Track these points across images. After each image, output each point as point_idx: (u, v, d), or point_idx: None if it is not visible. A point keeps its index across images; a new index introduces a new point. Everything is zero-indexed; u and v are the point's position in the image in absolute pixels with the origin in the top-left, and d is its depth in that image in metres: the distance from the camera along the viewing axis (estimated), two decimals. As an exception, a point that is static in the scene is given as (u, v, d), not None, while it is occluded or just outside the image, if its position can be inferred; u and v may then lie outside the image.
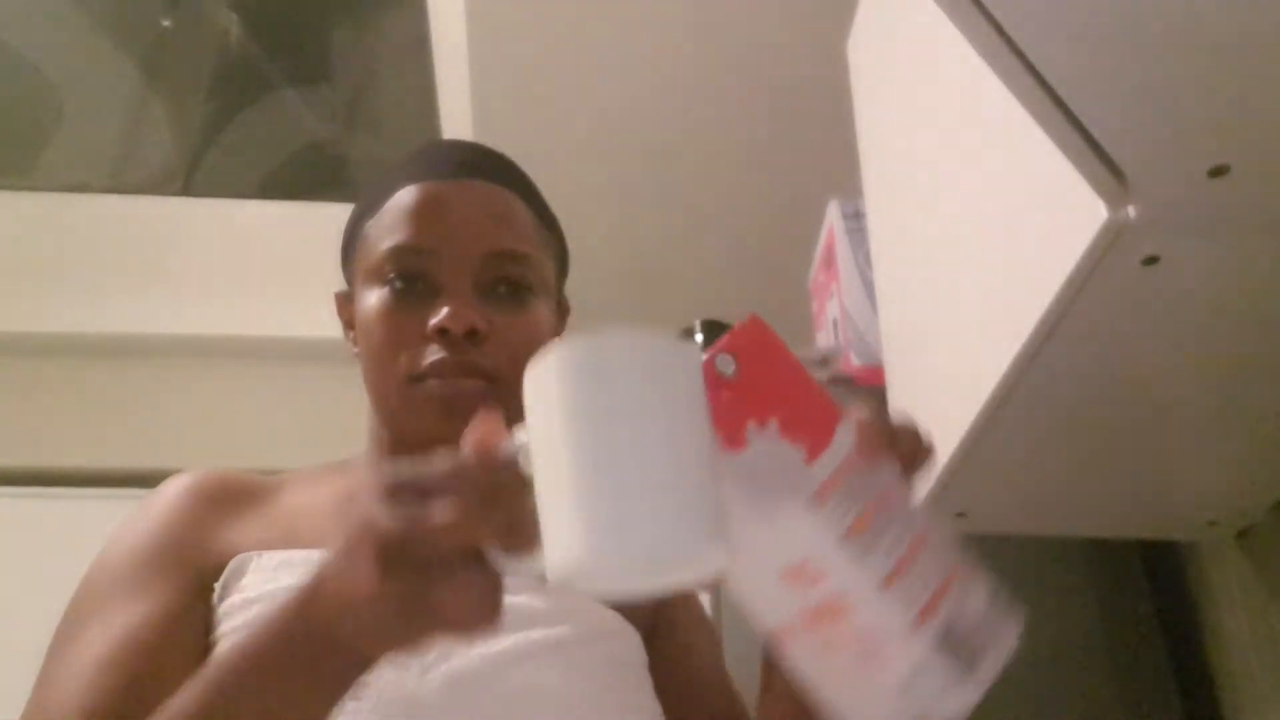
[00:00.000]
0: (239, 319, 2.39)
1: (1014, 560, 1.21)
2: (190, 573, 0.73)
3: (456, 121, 2.04)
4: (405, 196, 0.80)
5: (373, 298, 0.78)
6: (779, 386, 0.51)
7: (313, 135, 2.43)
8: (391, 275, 0.78)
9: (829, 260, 1.48)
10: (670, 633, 0.80)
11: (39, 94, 2.25)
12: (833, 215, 1.47)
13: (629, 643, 0.75)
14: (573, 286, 2.28)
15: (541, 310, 0.85)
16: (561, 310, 0.96)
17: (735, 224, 2.06)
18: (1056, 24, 0.64)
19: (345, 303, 0.87)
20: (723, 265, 2.16)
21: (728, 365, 0.50)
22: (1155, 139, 0.65)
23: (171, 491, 0.80)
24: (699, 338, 1.66)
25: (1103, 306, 0.72)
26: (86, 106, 2.30)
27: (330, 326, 2.44)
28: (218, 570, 0.73)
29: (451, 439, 0.52)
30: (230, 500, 0.79)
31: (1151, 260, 0.69)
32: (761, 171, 1.95)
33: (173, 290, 2.43)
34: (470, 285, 0.77)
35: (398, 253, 0.78)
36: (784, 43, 1.71)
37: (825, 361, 1.33)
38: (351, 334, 0.85)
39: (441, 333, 0.74)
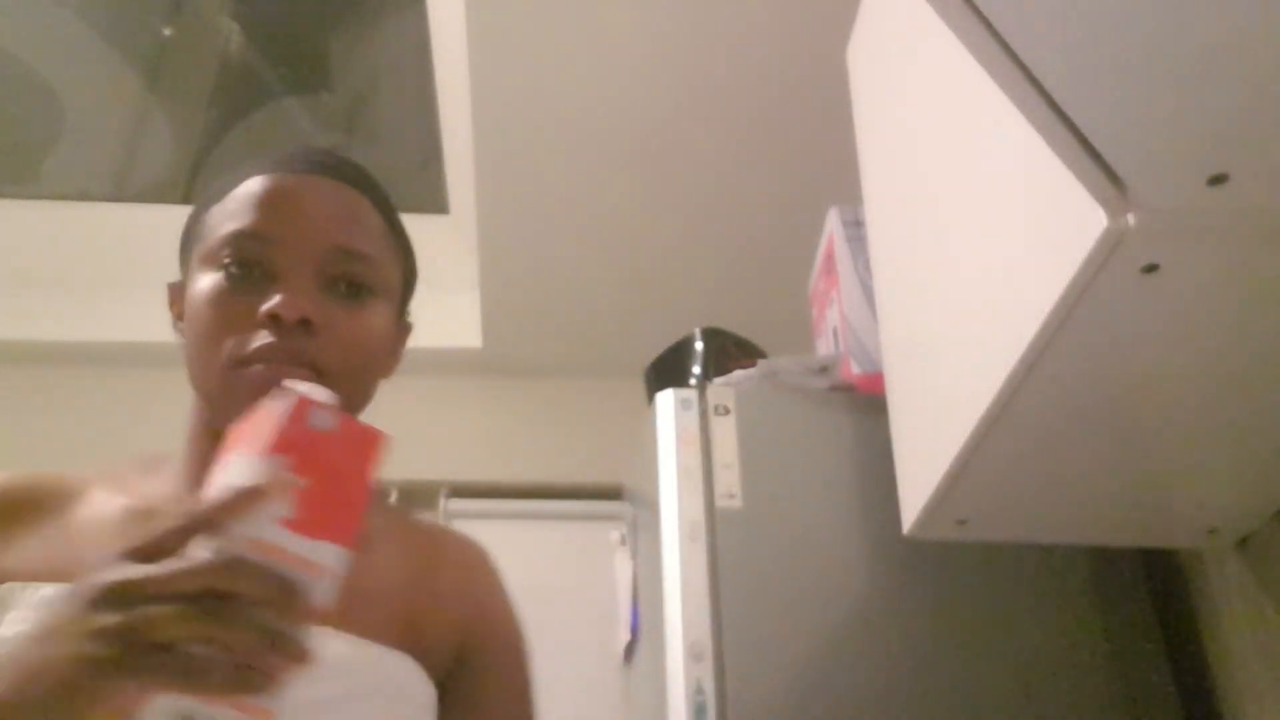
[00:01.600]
0: (239, 327, 2.38)
1: (1015, 568, 1.21)
2: None
3: (456, 128, 2.05)
4: (252, 185, 0.79)
5: (206, 281, 0.76)
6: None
7: (312, 143, 2.43)
8: (228, 260, 0.76)
9: (829, 268, 1.48)
10: (469, 680, 0.79)
11: (41, 102, 2.25)
12: (833, 223, 1.47)
13: (414, 691, 0.74)
14: (576, 294, 2.28)
15: (379, 313, 0.81)
16: (403, 327, 0.91)
17: (735, 231, 2.06)
18: (1055, 32, 0.64)
19: (178, 293, 0.83)
20: (723, 273, 2.16)
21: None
22: (1154, 147, 0.65)
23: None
24: (699, 345, 1.66)
25: (1102, 314, 0.72)
26: (88, 115, 2.30)
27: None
28: None
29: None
30: (26, 511, 0.74)
31: (1151, 268, 0.69)
32: (762, 179, 1.95)
33: (173, 298, 2.43)
34: (310, 277, 0.76)
35: (238, 238, 0.76)
36: (784, 50, 1.72)
37: (825, 369, 1.33)
38: (181, 325, 0.81)
39: (273, 319, 0.73)
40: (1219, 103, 0.62)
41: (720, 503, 1.22)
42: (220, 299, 0.75)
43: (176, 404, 2.53)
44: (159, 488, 0.78)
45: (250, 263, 0.76)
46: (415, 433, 2.41)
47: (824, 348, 1.52)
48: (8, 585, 0.69)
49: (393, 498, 2.24)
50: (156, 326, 2.51)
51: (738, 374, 1.35)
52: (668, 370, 1.67)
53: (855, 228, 1.44)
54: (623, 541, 1.57)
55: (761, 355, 1.57)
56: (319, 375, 0.73)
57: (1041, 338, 0.75)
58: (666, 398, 1.32)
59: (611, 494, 2.21)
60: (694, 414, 1.31)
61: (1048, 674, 1.15)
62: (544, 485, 2.32)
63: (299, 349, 0.73)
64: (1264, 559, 1.06)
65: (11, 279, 2.40)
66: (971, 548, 1.19)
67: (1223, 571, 1.14)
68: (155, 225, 2.40)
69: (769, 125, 1.85)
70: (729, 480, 1.24)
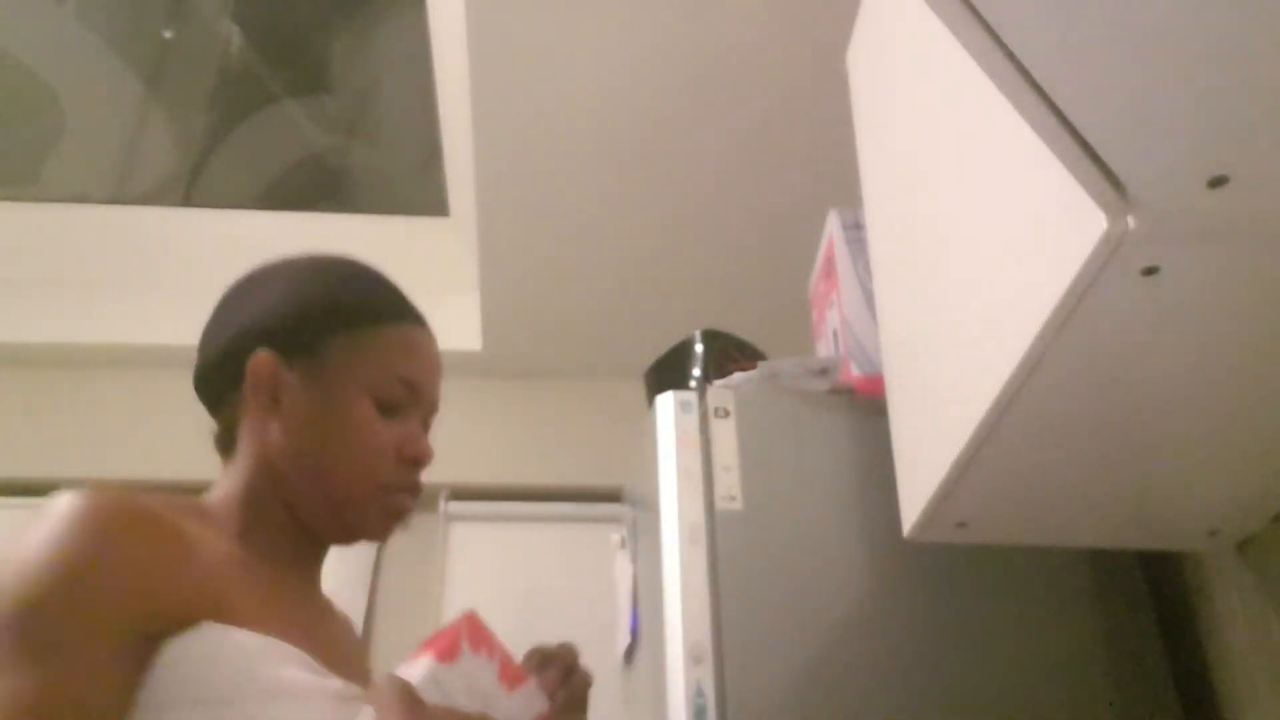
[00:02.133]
0: (239, 329, 2.39)
1: (1015, 569, 1.21)
2: (129, 632, 0.68)
3: (457, 131, 2.05)
4: (417, 336, 0.92)
5: (366, 405, 0.87)
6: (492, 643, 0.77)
7: (313, 146, 2.44)
8: (390, 399, 0.88)
9: (829, 270, 1.48)
10: None
11: (41, 104, 2.25)
12: (833, 225, 1.47)
13: None
14: (576, 296, 2.29)
15: None
16: None
17: (735, 234, 2.07)
18: (1055, 35, 0.64)
19: (281, 370, 0.87)
20: (723, 275, 2.16)
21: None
22: (1154, 149, 0.65)
23: (104, 525, 0.70)
24: (699, 347, 1.66)
25: (1102, 316, 0.72)
26: (88, 117, 2.31)
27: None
28: (168, 626, 0.69)
29: (380, 540, 0.88)
30: (162, 541, 0.73)
31: (1151, 270, 0.69)
32: (761, 181, 1.95)
33: (173, 300, 2.43)
34: (421, 424, 0.92)
35: (404, 386, 0.89)
36: (784, 54, 1.72)
37: (825, 371, 1.33)
38: (268, 398, 0.87)
39: (417, 461, 0.88)
40: (1219, 105, 0.62)
41: (720, 505, 1.22)
42: (380, 429, 0.86)
43: (177, 406, 2.53)
44: (212, 540, 0.79)
45: (398, 404, 0.88)
46: (415, 435, 2.41)
47: (824, 350, 1.52)
48: (212, 625, 0.71)
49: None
50: (156, 328, 2.52)
51: (738, 376, 1.35)
52: (668, 372, 1.67)
53: (855, 230, 1.44)
54: (623, 544, 1.57)
55: (761, 357, 1.57)
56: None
57: (1042, 340, 0.75)
58: (666, 400, 1.32)
59: (611, 496, 2.21)
60: (694, 416, 1.31)
61: (1048, 676, 1.15)
62: (544, 488, 2.32)
63: (418, 486, 0.89)
64: (1264, 561, 1.06)
65: (11, 281, 2.40)
66: (971, 550, 1.19)
67: (1223, 574, 1.14)
68: (155, 227, 2.41)
69: (769, 128, 1.85)
70: (729, 482, 1.24)
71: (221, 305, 0.94)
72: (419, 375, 0.90)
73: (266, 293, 0.92)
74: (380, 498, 0.86)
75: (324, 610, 0.90)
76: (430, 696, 0.69)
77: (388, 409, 0.87)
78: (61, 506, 0.71)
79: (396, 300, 0.93)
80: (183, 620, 0.70)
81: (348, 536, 0.88)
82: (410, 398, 0.89)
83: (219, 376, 0.89)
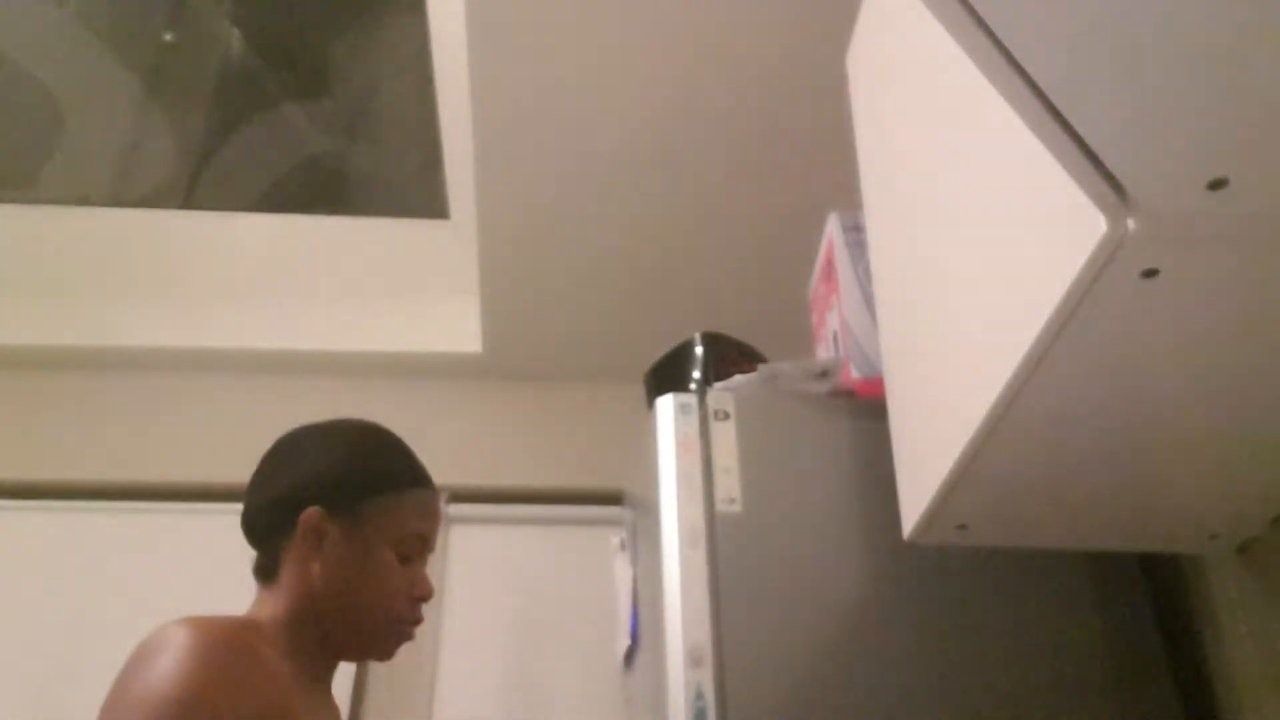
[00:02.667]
0: (239, 332, 2.39)
1: (1015, 572, 1.21)
2: None
3: (457, 134, 2.05)
4: (429, 499, 1.16)
5: (390, 556, 1.11)
6: None
7: (313, 149, 2.44)
8: (407, 550, 1.12)
9: (829, 272, 1.48)
10: None
11: (41, 107, 2.25)
12: (833, 227, 1.47)
13: None
14: (576, 299, 2.29)
15: None
16: None
17: (736, 236, 2.07)
18: (1054, 38, 0.64)
19: (323, 523, 1.10)
20: (723, 277, 2.17)
21: None
22: (1154, 152, 0.65)
23: (224, 647, 0.93)
24: (699, 349, 1.66)
25: (1102, 319, 0.72)
26: (88, 120, 2.31)
27: (329, 340, 2.45)
28: None
29: (385, 660, 1.13)
30: (251, 656, 0.96)
31: (1151, 273, 0.69)
32: (762, 184, 1.95)
33: (173, 303, 2.43)
34: (424, 566, 1.16)
35: (421, 541, 1.14)
36: (784, 56, 1.72)
37: (825, 374, 1.33)
38: (314, 545, 1.09)
39: (422, 599, 1.12)
40: (1218, 108, 0.62)
41: (720, 507, 1.22)
42: (398, 575, 1.11)
43: (177, 409, 2.53)
44: (275, 659, 1.02)
45: (415, 554, 1.13)
46: (416, 438, 2.40)
47: (824, 353, 1.52)
48: None
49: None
50: (157, 332, 2.52)
51: (738, 379, 1.35)
52: (668, 375, 1.67)
53: (855, 233, 1.44)
54: (623, 546, 1.57)
55: (762, 360, 1.57)
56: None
57: (1041, 342, 0.75)
58: (666, 402, 1.32)
59: (611, 499, 2.22)
60: (694, 419, 1.31)
61: (1048, 679, 1.15)
62: (544, 490, 2.32)
63: (421, 618, 1.13)
64: (1264, 564, 1.06)
65: (10, 284, 2.40)
66: (972, 552, 1.19)
67: (1223, 577, 1.14)
68: (155, 230, 2.41)
69: (769, 131, 1.85)
70: (729, 485, 1.24)
71: (271, 458, 1.16)
72: (429, 530, 1.15)
73: (315, 454, 1.14)
74: (395, 628, 1.10)
75: (336, 708, 1.14)
76: None
77: (404, 558, 1.11)
78: (179, 639, 0.91)
79: (415, 468, 1.17)
80: (264, 714, 0.92)
81: (362, 656, 1.12)
82: (421, 548, 1.14)
83: (270, 520, 1.11)
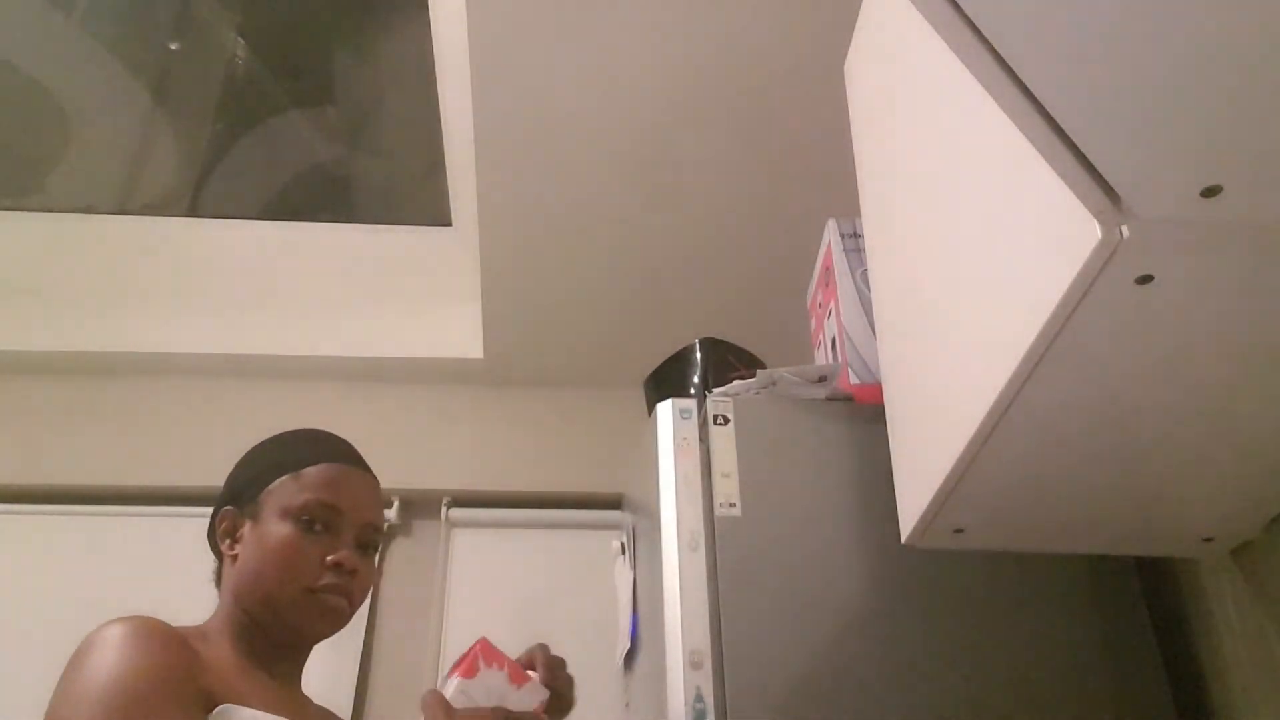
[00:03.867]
0: (243, 338, 2.40)
1: (1012, 575, 1.21)
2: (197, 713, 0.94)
3: (459, 141, 2.06)
4: (332, 470, 1.16)
5: (284, 528, 1.11)
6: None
7: (317, 157, 2.45)
8: (307, 518, 1.12)
9: (827, 279, 1.49)
10: None
11: (47, 115, 2.27)
12: (831, 234, 1.48)
13: None
14: (577, 305, 2.29)
15: (375, 561, 1.22)
16: None
17: (734, 243, 2.08)
18: (1050, 46, 0.65)
19: (236, 521, 1.16)
20: (722, 284, 2.17)
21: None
22: (1148, 159, 0.66)
23: (158, 638, 0.96)
24: (698, 355, 1.67)
25: (1097, 325, 0.73)
26: (94, 128, 2.32)
27: (332, 346, 2.46)
28: (203, 708, 0.95)
29: (322, 636, 1.13)
30: (187, 648, 0.98)
31: (1145, 279, 0.70)
32: (761, 191, 1.96)
33: (178, 309, 2.44)
34: (352, 539, 1.14)
35: (323, 508, 1.13)
36: (782, 63, 1.73)
37: (823, 379, 1.34)
38: (229, 544, 1.15)
39: (337, 565, 1.11)
40: (1212, 115, 0.62)
41: (720, 511, 1.22)
42: (299, 544, 1.11)
43: (181, 415, 2.54)
44: (215, 651, 1.06)
45: (319, 522, 1.12)
46: (417, 443, 2.42)
47: (822, 358, 1.52)
48: (225, 707, 0.96)
49: (394, 507, 2.25)
50: (161, 338, 2.52)
51: (737, 384, 1.36)
52: (667, 380, 1.68)
53: (853, 239, 1.45)
54: (622, 550, 1.58)
55: (760, 365, 1.58)
56: (349, 605, 1.13)
57: (1037, 348, 0.76)
58: (665, 408, 1.33)
59: (611, 503, 2.22)
60: (693, 423, 1.32)
61: (1045, 682, 1.15)
62: (545, 494, 2.32)
63: (346, 586, 1.11)
64: (1259, 567, 1.07)
65: (17, 290, 2.41)
66: (969, 556, 1.20)
67: (1218, 580, 1.14)
68: (160, 238, 2.42)
69: (768, 138, 1.86)
70: (728, 489, 1.24)
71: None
72: (337, 499, 1.14)
73: (236, 464, 1.22)
74: (311, 599, 1.09)
75: (306, 703, 1.16)
76: (459, 704, 1.00)
77: (311, 528, 1.12)
78: (113, 633, 0.95)
79: (318, 450, 1.18)
80: (208, 703, 0.95)
81: (296, 635, 1.12)
82: (334, 517, 1.13)
83: (210, 532, 1.19)
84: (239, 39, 2.23)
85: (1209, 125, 0.63)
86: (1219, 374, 0.80)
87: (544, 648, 1.14)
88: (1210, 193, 0.66)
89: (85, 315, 2.41)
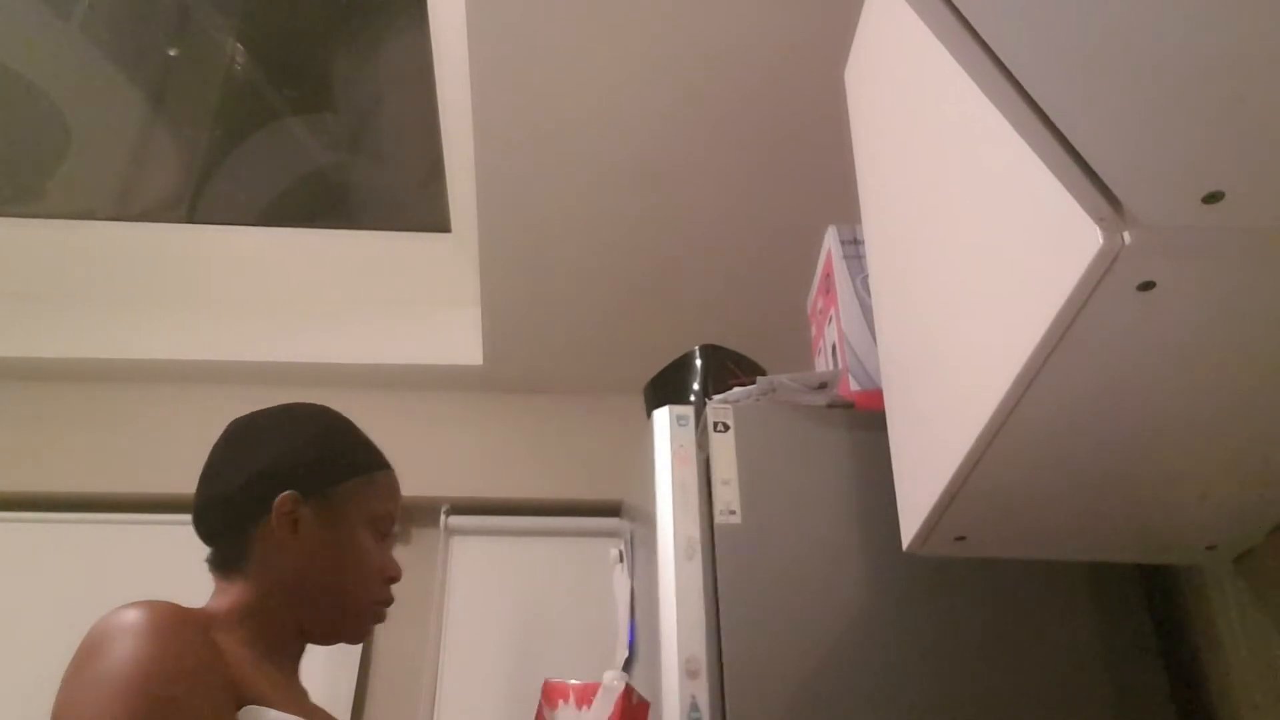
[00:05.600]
0: (242, 344, 2.40)
1: (1014, 583, 1.21)
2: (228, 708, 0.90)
3: (458, 147, 2.06)
4: (394, 480, 1.19)
5: (365, 536, 1.12)
6: None
7: (316, 163, 2.45)
8: (382, 531, 1.14)
9: (827, 285, 1.48)
10: None
11: (46, 121, 2.27)
12: (831, 241, 1.48)
13: None
14: (576, 311, 2.29)
15: None
16: None
17: (735, 250, 2.07)
18: (1051, 52, 0.65)
19: (298, 506, 1.09)
20: (722, 290, 2.17)
21: None
22: (1150, 165, 0.65)
23: (184, 624, 0.91)
24: (698, 362, 1.67)
25: (1099, 331, 0.73)
26: (93, 134, 2.32)
27: (331, 353, 2.45)
28: (234, 706, 0.91)
29: (360, 642, 1.14)
30: (210, 636, 0.94)
31: (1147, 286, 0.69)
32: (761, 197, 1.96)
33: (176, 316, 2.44)
34: (389, 545, 1.16)
35: (388, 520, 1.15)
36: (783, 71, 1.73)
37: (824, 386, 1.34)
38: (289, 529, 1.08)
39: (392, 580, 1.14)
40: (1214, 122, 0.62)
41: (719, 519, 1.22)
42: (374, 554, 1.12)
43: (179, 419, 2.53)
44: (231, 645, 0.99)
45: (383, 533, 1.14)
46: (416, 449, 2.41)
47: (822, 365, 1.52)
48: (252, 709, 0.91)
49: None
50: (159, 344, 2.52)
51: (737, 390, 1.36)
52: (667, 387, 1.68)
53: (853, 246, 1.45)
54: (621, 558, 1.57)
55: (760, 372, 1.58)
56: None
57: (1038, 355, 0.75)
58: (663, 414, 1.33)
59: (611, 510, 2.21)
60: (689, 430, 1.31)
61: (1047, 689, 1.15)
62: (544, 501, 2.32)
63: (392, 599, 1.14)
64: (1262, 575, 1.06)
65: (15, 296, 2.41)
66: (971, 564, 1.19)
67: (1221, 587, 1.14)
68: (159, 244, 2.42)
69: (768, 145, 1.86)
70: (728, 496, 1.24)
71: (229, 446, 1.14)
72: (396, 510, 1.16)
73: (281, 440, 1.13)
74: (371, 609, 1.11)
75: (306, 695, 1.11)
76: None
77: (381, 538, 1.13)
78: (134, 619, 0.88)
79: (377, 451, 1.19)
80: (236, 698, 0.91)
81: (335, 639, 1.11)
82: (389, 529, 1.15)
83: (237, 508, 1.08)
84: (238, 45, 2.23)
85: (1210, 131, 0.63)
86: (1221, 380, 0.80)
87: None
88: (1212, 199, 0.66)
89: (84, 321, 2.40)
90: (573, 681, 1.07)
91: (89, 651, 0.86)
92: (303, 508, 1.08)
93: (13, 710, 1.94)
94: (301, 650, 1.10)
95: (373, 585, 1.10)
